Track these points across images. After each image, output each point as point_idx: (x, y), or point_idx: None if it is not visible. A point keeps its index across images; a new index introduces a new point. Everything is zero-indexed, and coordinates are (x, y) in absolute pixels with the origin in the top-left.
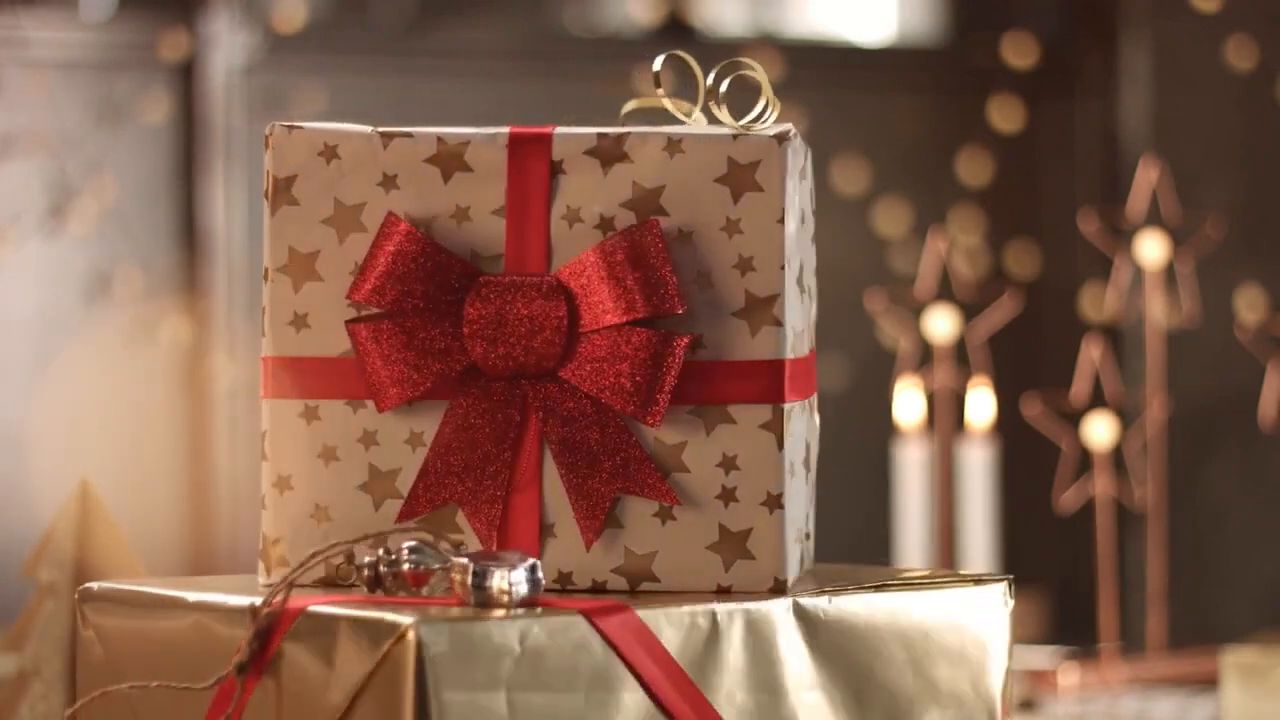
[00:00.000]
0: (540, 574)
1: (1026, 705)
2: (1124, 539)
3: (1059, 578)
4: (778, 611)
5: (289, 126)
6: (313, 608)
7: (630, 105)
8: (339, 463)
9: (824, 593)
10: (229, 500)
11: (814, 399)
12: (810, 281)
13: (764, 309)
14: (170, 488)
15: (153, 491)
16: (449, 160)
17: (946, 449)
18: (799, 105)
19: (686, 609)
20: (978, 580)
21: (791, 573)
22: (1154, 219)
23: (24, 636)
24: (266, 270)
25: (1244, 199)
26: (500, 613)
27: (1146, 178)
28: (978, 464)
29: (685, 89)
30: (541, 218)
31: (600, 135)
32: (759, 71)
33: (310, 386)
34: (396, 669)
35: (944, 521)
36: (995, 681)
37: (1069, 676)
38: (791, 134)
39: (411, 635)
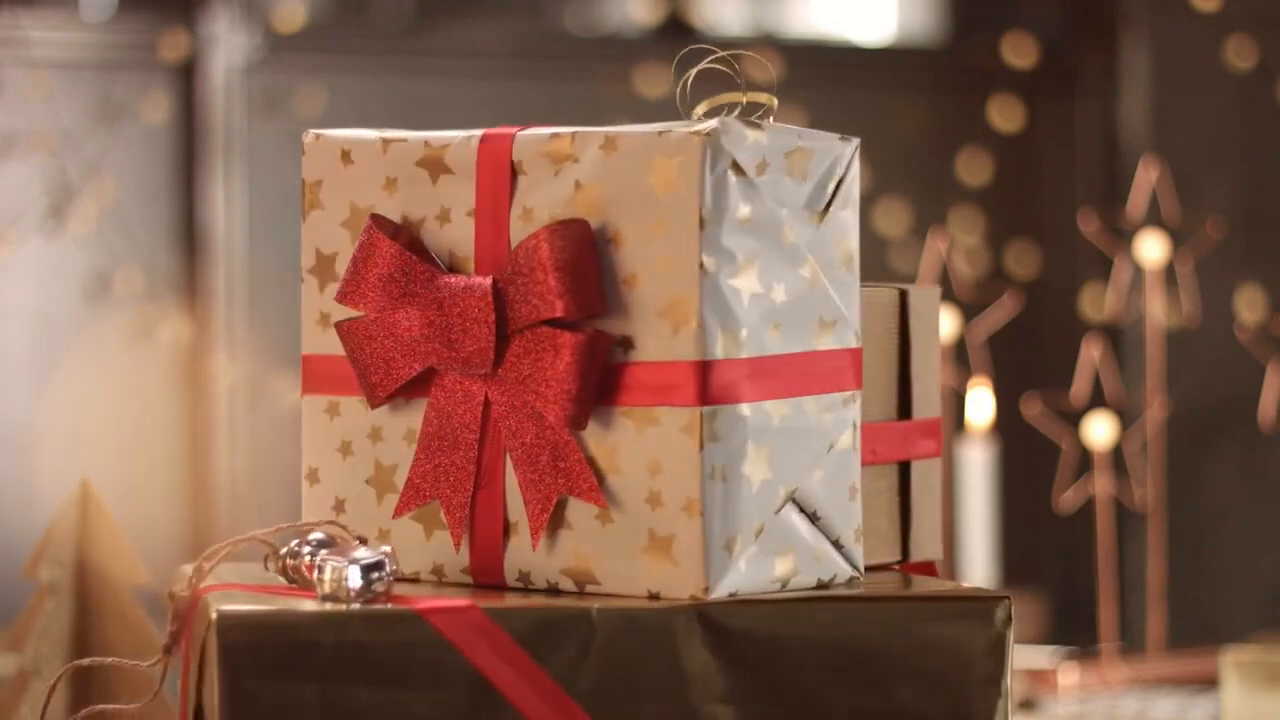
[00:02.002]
0: (381, 572)
1: (1026, 705)
2: (1124, 539)
3: (1059, 578)
4: (678, 620)
5: (318, 134)
6: (207, 596)
7: (704, 106)
8: (353, 457)
9: (741, 603)
10: (229, 500)
11: (831, 397)
12: (798, 277)
13: (682, 309)
14: (170, 488)
15: (153, 491)
16: (434, 163)
17: (947, 449)
18: (799, 105)
19: (546, 613)
20: (967, 598)
21: (720, 581)
22: (1154, 219)
23: (24, 636)
24: (302, 272)
25: (1244, 199)
26: (330, 606)
27: (1146, 178)
28: (977, 464)
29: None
30: (504, 219)
31: (553, 135)
32: (727, 63)
33: (332, 383)
34: (209, 657)
35: (944, 521)
36: (983, 709)
37: (1069, 676)
38: (720, 129)
39: (215, 625)
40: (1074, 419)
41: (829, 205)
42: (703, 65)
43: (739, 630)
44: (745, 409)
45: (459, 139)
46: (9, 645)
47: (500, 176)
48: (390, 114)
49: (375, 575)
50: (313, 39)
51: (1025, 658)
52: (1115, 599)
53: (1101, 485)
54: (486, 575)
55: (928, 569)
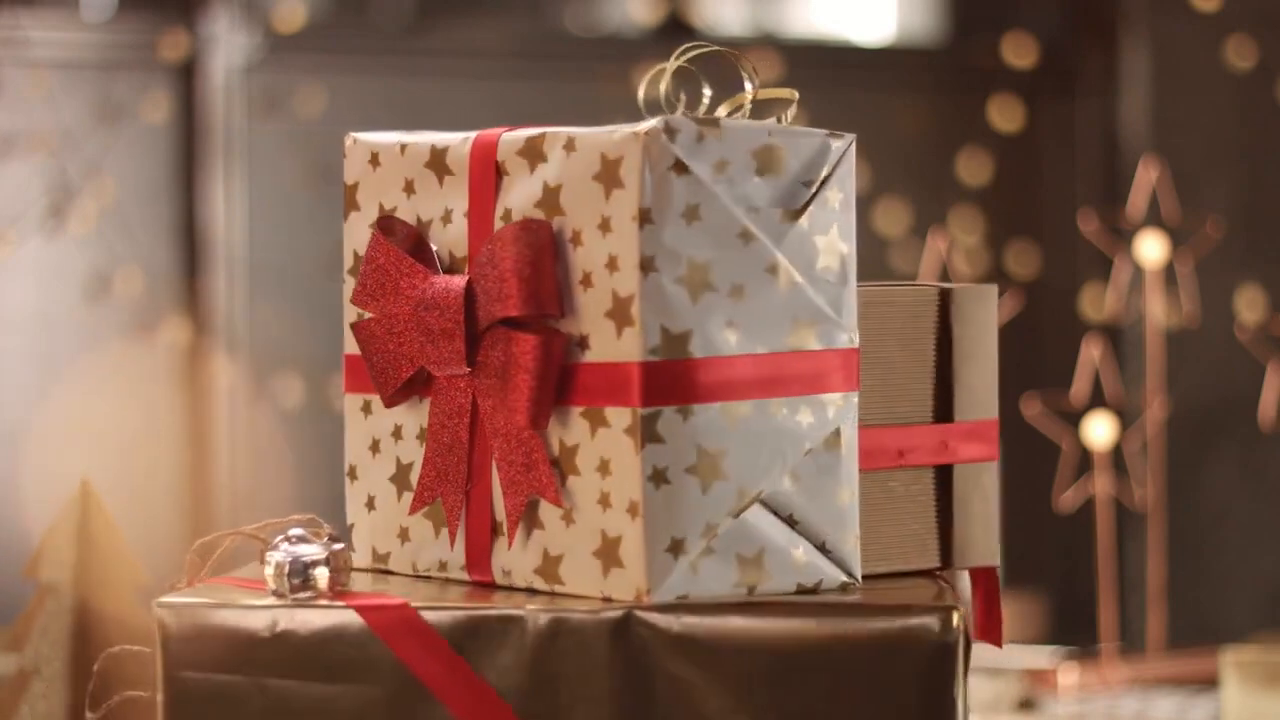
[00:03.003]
0: (321, 568)
1: (1026, 705)
2: (1124, 539)
3: (1059, 578)
4: (609, 624)
5: (355, 137)
6: (189, 589)
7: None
8: (380, 455)
9: (676, 608)
10: (229, 500)
11: (808, 399)
12: (763, 277)
13: (624, 310)
14: (170, 488)
15: (153, 492)
16: (439, 165)
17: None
18: (799, 105)
19: (479, 613)
20: (910, 608)
21: (663, 584)
22: (1154, 219)
23: (24, 636)
24: (343, 273)
25: (1244, 199)
26: (272, 600)
27: (1146, 178)
28: None
29: (690, 86)
30: (490, 219)
31: (528, 136)
32: (728, 59)
33: (365, 382)
34: (155, 648)
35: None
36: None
37: (1069, 676)
38: (663, 129)
39: (155, 617)
40: (1074, 419)
41: (808, 203)
42: (675, 65)
43: (671, 635)
44: (694, 410)
45: (457, 141)
46: (9, 645)
47: (487, 177)
48: (390, 114)
49: (314, 571)
50: (313, 39)
51: (1025, 658)
52: (1115, 599)
53: (1101, 485)
54: (479, 572)
55: (986, 575)
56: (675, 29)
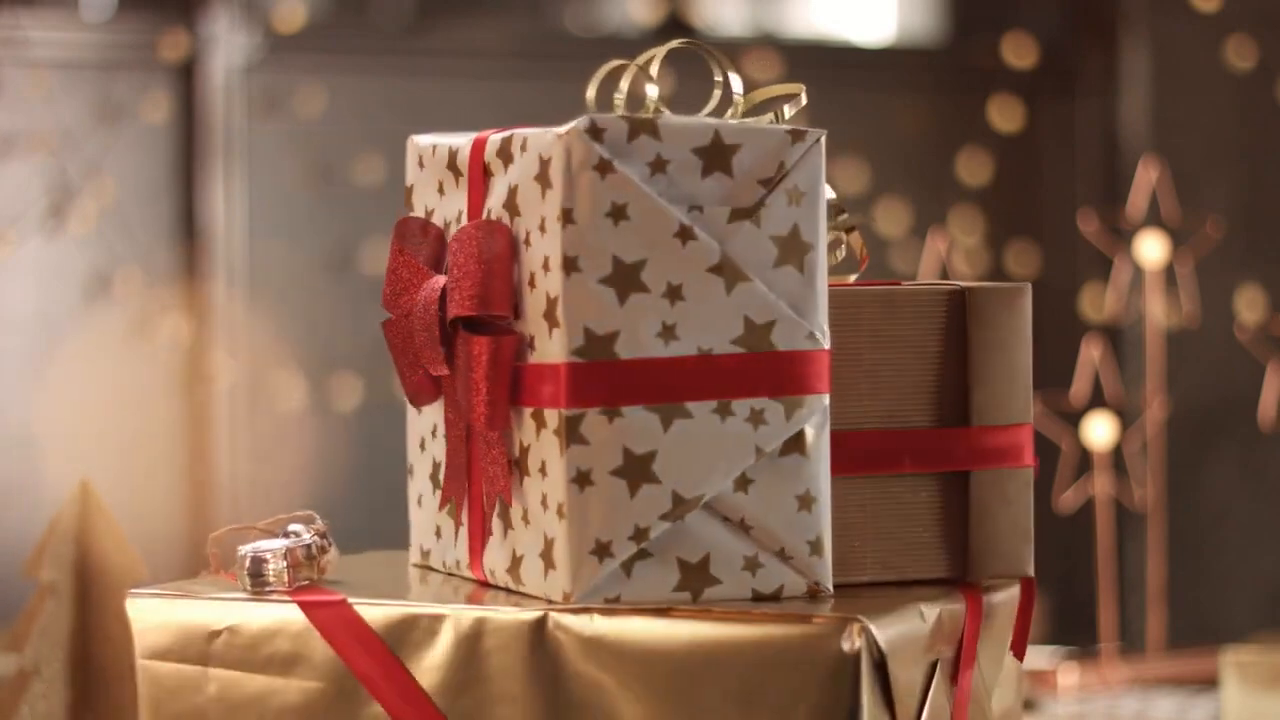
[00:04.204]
0: (276, 563)
1: (1027, 705)
2: (1124, 539)
3: (1059, 577)
4: (527, 625)
5: (414, 139)
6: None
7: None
8: (424, 454)
9: (591, 612)
10: (229, 500)
11: (759, 401)
12: (705, 277)
13: (553, 310)
14: (170, 488)
15: (153, 491)
16: (454, 166)
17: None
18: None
19: (411, 611)
20: (811, 619)
21: (588, 587)
22: (1154, 219)
23: (24, 636)
24: None
25: (1244, 199)
26: (229, 593)
27: (1146, 178)
28: None
29: (690, 82)
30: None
31: (503, 138)
32: (643, 69)
33: None
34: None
35: None
36: None
37: (1069, 676)
38: (587, 128)
39: (129, 608)
40: (1074, 419)
41: (762, 201)
42: (612, 64)
43: (583, 639)
44: (621, 412)
45: (463, 143)
46: (9, 645)
47: (478, 179)
48: (390, 114)
49: (267, 566)
50: (313, 39)
51: (1026, 658)
52: (1115, 599)
53: (1101, 485)
54: (478, 570)
55: (1025, 587)
56: (675, 29)
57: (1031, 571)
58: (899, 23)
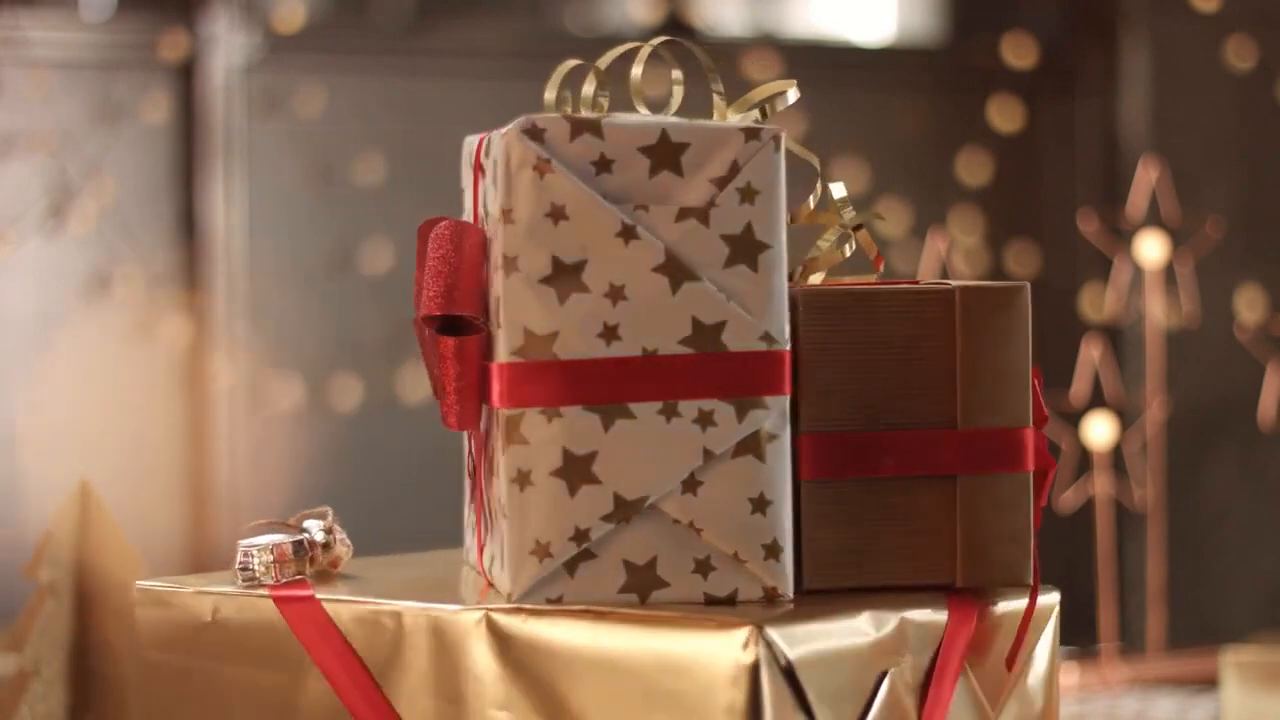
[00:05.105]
0: (261, 558)
1: None
2: (1124, 539)
3: (1059, 578)
4: (469, 623)
5: (467, 140)
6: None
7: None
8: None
9: (523, 612)
10: (229, 500)
11: (708, 403)
12: (649, 277)
13: (497, 310)
14: (170, 488)
15: (153, 491)
16: (471, 166)
17: None
18: (799, 105)
19: (372, 607)
20: (712, 623)
21: (528, 586)
22: (1154, 219)
23: (24, 636)
24: None
25: (1244, 199)
26: (218, 587)
27: (1146, 178)
28: None
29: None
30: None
31: (489, 139)
32: (596, 70)
33: None
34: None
35: None
36: None
37: (1069, 676)
38: (527, 128)
39: (136, 599)
40: (1074, 419)
41: (713, 200)
42: (569, 65)
43: (516, 638)
44: (560, 413)
45: (473, 140)
46: (9, 645)
47: (477, 179)
48: (390, 114)
49: (256, 561)
50: (313, 39)
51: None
52: (1115, 599)
53: (1101, 485)
54: (481, 566)
55: (1032, 596)
56: (675, 29)
57: (1029, 580)
58: (899, 23)
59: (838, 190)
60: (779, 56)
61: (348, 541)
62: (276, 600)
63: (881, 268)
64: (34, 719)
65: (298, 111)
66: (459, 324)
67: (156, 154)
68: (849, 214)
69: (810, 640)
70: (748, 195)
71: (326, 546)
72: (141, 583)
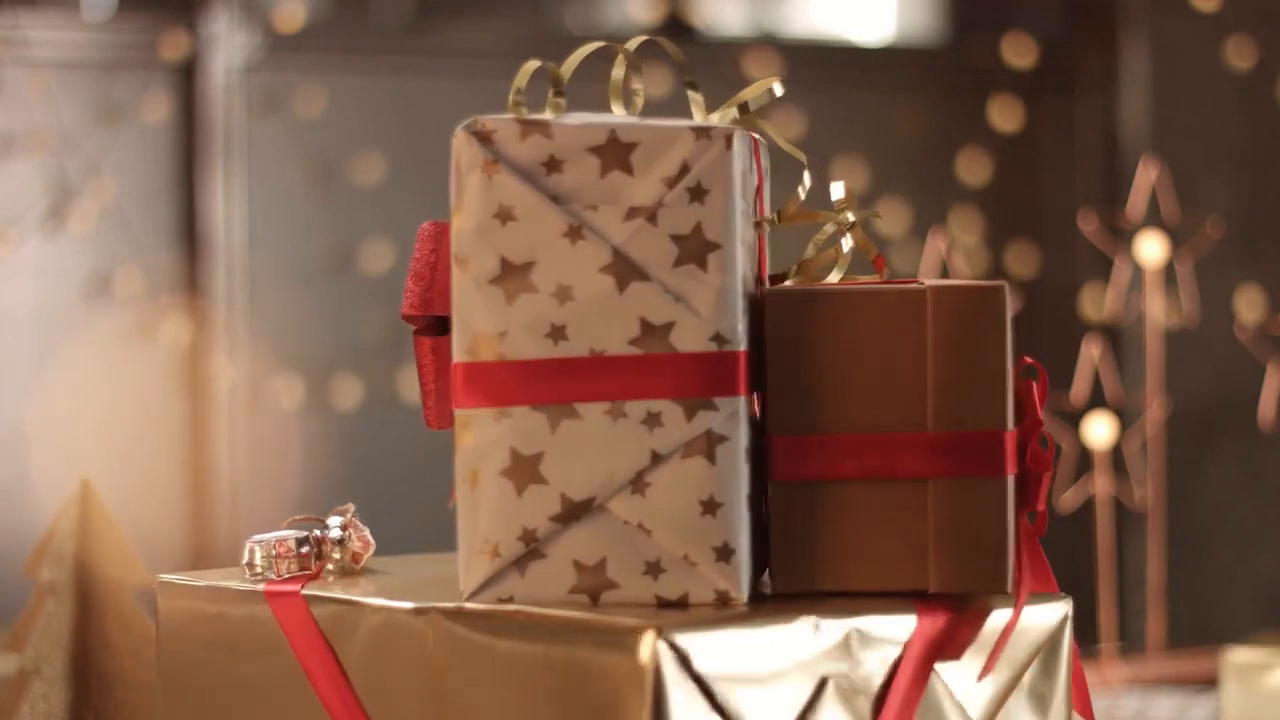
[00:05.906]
0: (264, 554)
1: None
2: (1124, 539)
3: (1058, 577)
4: (419, 622)
5: None
6: None
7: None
8: None
9: (464, 612)
10: (229, 500)
11: (656, 403)
12: (597, 277)
13: (451, 312)
14: (170, 488)
15: (153, 491)
16: None
17: None
18: (799, 105)
19: (346, 605)
20: (612, 628)
21: (479, 585)
22: (1154, 219)
23: (24, 636)
24: None
25: (1244, 199)
26: (224, 582)
27: (1146, 178)
28: None
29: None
30: None
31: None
32: (557, 68)
33: None
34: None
35: None
36: None
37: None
38: (476, 128)
39: (157, 590)
40: (1074, 419)
41: (662, 200)
42: (533, 65)
43: (453, 637)
44: (509, 413)
45: None
46: (9, 645)
47: None
48: (390, 114)
49: (259, 555)
50: (313, 39)
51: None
52: (1115, 599)
53: (1101, 485)
54: None
55: (1017, 604)
56: (675, 29)
57: (1007, 588)
58: (899, 23)
59: (837, 190)
60: (779, 56)
61: (369, 538)
62: (268, 595)
63: (884, 269)
64: (35, 718)
65: (298, 111)
66: (444, 324)
67: (157, 154)
68: (843, 214)
69: (728, 645)
70: (697, 195)
71: (342, 543)
72: (164, 577)
